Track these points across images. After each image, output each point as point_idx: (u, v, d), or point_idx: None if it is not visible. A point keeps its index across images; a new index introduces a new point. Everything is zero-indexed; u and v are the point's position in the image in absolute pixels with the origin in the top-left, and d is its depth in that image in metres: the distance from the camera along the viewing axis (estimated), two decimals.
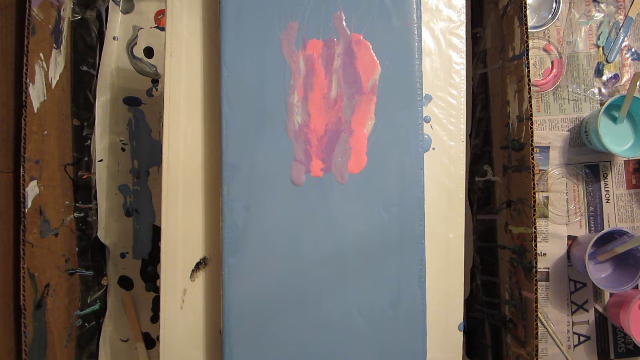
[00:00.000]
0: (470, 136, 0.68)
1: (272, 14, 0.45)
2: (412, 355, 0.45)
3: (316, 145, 0.44)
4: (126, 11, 0.69)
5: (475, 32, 0.68)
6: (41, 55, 0.53)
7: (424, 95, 0.48)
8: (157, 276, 0.67)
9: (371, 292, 0.45)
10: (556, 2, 0.70)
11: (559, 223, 0.69)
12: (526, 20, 0.54)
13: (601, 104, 0.71)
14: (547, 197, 0.69)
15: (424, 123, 0.47)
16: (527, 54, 0.53)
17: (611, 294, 0.69)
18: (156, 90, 0.69)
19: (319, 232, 0.44)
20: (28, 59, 0.51)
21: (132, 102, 0.68)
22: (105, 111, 0.67)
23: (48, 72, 0.55)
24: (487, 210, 0.65)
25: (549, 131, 0.70)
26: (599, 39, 0.71)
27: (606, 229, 0.64)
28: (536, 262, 0.52)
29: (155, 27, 0.69)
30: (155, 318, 0.66)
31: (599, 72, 0.71)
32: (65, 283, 0.58)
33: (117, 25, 0.68)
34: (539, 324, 0.52)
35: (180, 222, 0.47)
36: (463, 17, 0.49)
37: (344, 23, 0.45)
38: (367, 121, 0.45)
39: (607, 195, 0.70)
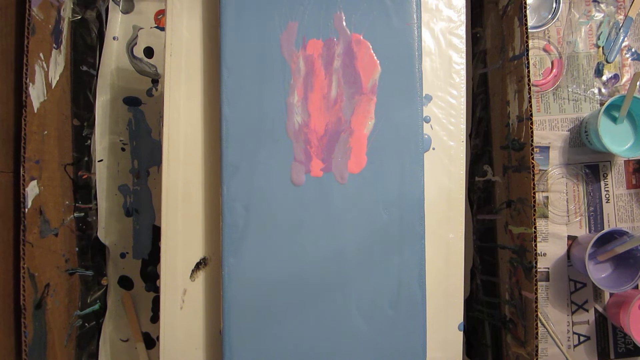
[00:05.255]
0: (470, 136, 0.68)
1: (272, 14, 0.45)
2: (412, 355, 0.45)
3: (316, 145, 0.44)
4: (126, 11, 0.69)
5: (475, 32, 0.68)
6: (41, 55, 0.53)
7: (424, 95, 0.48)
8: (157, 276, 0.67)
9: (371, 292, 0.45)
10: (556, 2, 0.70)
11: (559, 223, 0.69)
12: (526, 20, 0.54)
13: (601, 104, 0.71)
14: (547, 197, 0.69)
15: (424, 123, 0.47)
16: (527, 54, 0.53)
17: (611, 294, 0.69)
18: (156, 90, 0.69)
19: (319, 232, 0.44)
20: (28, 59, 0.51)
21: (132, 102, 0.68)
22: (105, 111, 0.67)
23: (48, 72, 0.55)
24: (487, 210, 0.65)
25: (549, 131, 0.70)
26: (599, 39, 0.71)
27: (606, 229, 0.64)
28: (536, 262, 0.52)
29: (155, 27, 0.69)
30: (155, 318, 0.66)
31: (599, 72, 0.71)
32: (65, 283, 0.58)
33: (117, 25, 0.68)
34: (539, 324, 0.52)
35: (180, 222, 0.47)
36: (463, 17, 0.49)
37: (344, 23, 0.45)
38: (367, 121, 0.45)
39: (607, 195, 0.70)
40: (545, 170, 0.70)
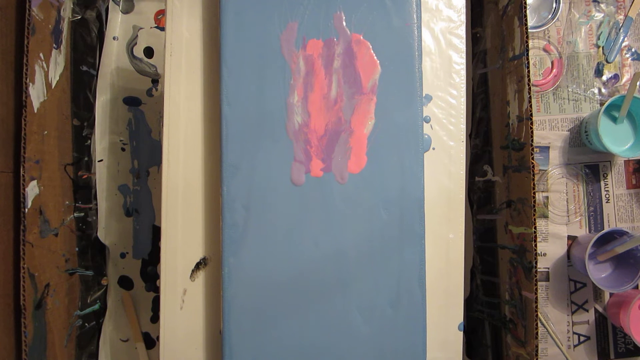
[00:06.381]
0: (470, 136, 0.68)
1: (272, 14, 0.45)
2: (412, 355, 0.45)
3: (316, 145, 0.44)
4: (126, 11, 0.69)
5: (475, 32, 0.68)
6: (41, 55, 0.53)
7: (424, 95, 0.48)
8: (157, 276, 0.67)
9: (371, 292, 0.45)
10: (556, 2, 0.70)
11: (559, 223, 0.69)
12: (526, 20, 0.54)
13: (601, 104, 0.71)
14: (547, 197, 0.69)
15: (424, 123, 0.47)
16: (527, 54, 0.53)
17: (611, 294, 0.69)
18: (156, 90, 0.69)
19: (319, 232, 0.44)
20: (28, 59, 0.51)
21: (132, 102, 0.68)
22: (105, 111, 0.67)
23: (48, 72, 0.55)
24: (487, 210, 0.65)
25: (549, 131, 0.70)
26: (599, 39, 0.71)
27: (606, 229, 0.64)
28: (536, 262, 0.52)
29: (155, 27, 0.69)
30: (155, 318, 0.66)
31: (599, 72, 0.71)
32: (65, 283, 0.58)
33: (117, 25, 0.68)
34: (539, 324, 0.52)
35: (180, 222, 0.47)
36: (463, 17, 0.49)
37: (344, 23, 0.45)
38: (367, 121, 0.45)
39: (607, 195, 0.70)
40: (545, 170, 0.70)
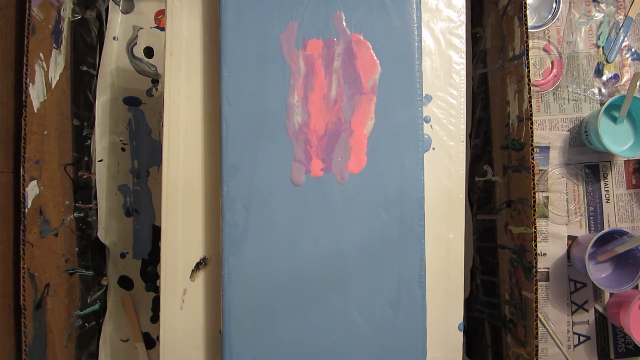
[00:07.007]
0: (470, 136, 0.68)
1: (272, 14, 0.45)
2: (412, 355, 0.45)
3: (316, 145, 0.44)
4: (126, 11, 0.69)
5: (475, 32, 0.68)
6: (41, 55, 0.53)
7: (424, 95, 0.48)
8: (157, 276, 0.67)
9: (371, 292, 0.45)
10: (556, 2, 0.70)
11: (559, 223, 0.69)
12: (526, 20, 0.54)
13: (601, 104, 0.71)
14: (547, 197, 0.69)
15: (424, 123, 0.47)
16: (527, 54, 0.53)
17: (611, 294, 0.69)
18: (156, 90, 0.69)
19: (319, 232, 0.44)
20: (28, 59, 0.51)
21: (132, 102, 0.68)
22: (105, 111, 0.67)
23: (48, 72, 0.55)
24: (487, 210, 0.65)
25: (549, 131, 0.70)
26: (599, 39, 0.71)
27: (606, 229, 0.64)
28: (536, 262, 0.52)
29: (155, 27, 0.69)
30: (155, 318, 0.66)
31: (599, 72, 0.71)
32: (65, 283, 0.58)
33: (117, 25, 0.68)
34: (539, 324, 0.52)
35: (180, 222, 0.47)
36: (463, 17, 0.49)
37: (344, 23, 0.45)
38: (367, 121, 0.45)
39: (607, 195, 0.70)
40: (545, 170, 0.70)
